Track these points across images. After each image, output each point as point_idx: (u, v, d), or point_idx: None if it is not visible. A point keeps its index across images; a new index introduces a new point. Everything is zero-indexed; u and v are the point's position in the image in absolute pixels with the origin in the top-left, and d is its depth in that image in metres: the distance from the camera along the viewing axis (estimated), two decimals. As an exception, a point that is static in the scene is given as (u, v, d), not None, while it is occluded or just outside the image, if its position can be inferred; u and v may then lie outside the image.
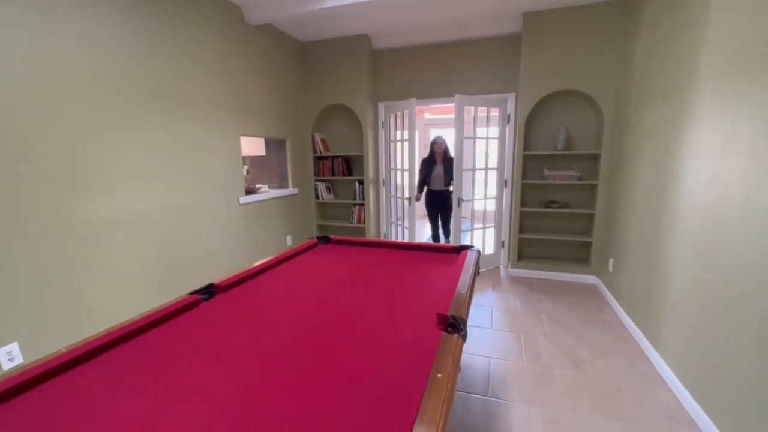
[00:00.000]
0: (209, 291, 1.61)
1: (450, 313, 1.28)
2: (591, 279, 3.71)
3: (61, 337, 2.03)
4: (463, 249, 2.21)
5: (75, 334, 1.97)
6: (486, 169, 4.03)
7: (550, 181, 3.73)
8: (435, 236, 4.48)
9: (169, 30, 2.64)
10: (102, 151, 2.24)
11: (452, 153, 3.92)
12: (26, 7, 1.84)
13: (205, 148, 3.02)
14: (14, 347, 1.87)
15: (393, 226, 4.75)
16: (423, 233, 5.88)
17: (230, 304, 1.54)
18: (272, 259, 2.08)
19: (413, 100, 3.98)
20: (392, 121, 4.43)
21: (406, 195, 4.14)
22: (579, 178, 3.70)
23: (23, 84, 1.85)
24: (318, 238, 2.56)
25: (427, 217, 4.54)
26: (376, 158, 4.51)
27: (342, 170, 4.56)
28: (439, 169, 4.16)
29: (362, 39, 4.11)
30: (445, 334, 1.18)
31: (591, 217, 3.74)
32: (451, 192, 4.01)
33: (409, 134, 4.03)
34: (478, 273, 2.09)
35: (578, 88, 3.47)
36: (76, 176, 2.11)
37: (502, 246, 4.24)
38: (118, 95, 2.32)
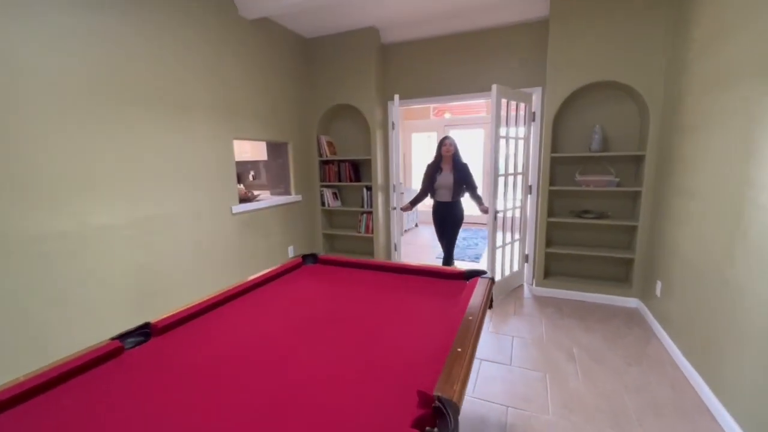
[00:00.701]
0: (144, 332, 1.29)
1: (435, 392, 0.88)
2: (632, 302, 3.17)
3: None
4: (473, 275, 1.80)
5: (10, 366, 1.72)
6: (514, 174, 3.52)
7: (583, 188, 3.22)
8: (446, 259, 3.51)
9: (149, 23, 2.39)
10: (66, 157, 2.00)
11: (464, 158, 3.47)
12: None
13: (191, 152, 2.76)
14: (-53, 383, 1.64)
15: (405, 236, 4.35)
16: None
17: (162, 355, 1.21)
18: (240, 285, 1.74)
19: (394, 100, 3.58)
20: (404, 121, 4.04)
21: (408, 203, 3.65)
22: (618, 184, 3.17)
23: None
24: (304, 256, 2.22)
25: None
26: (386, 162, 4.14)
27: (349, 175, 4.22)
28: (446, 177, 3.31)
29: (370, 32, 3.76)
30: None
31: (633, 229, 3.20)
32: (460, 206, 3.40)
33: (395, 135, 3.60)
34: (491, 306, 1.66)
35: (617, 79, 2.95)
36: (29, 186, 1.87)
37: (526, 261, 3.75)
38: (87, 97, 2.09)
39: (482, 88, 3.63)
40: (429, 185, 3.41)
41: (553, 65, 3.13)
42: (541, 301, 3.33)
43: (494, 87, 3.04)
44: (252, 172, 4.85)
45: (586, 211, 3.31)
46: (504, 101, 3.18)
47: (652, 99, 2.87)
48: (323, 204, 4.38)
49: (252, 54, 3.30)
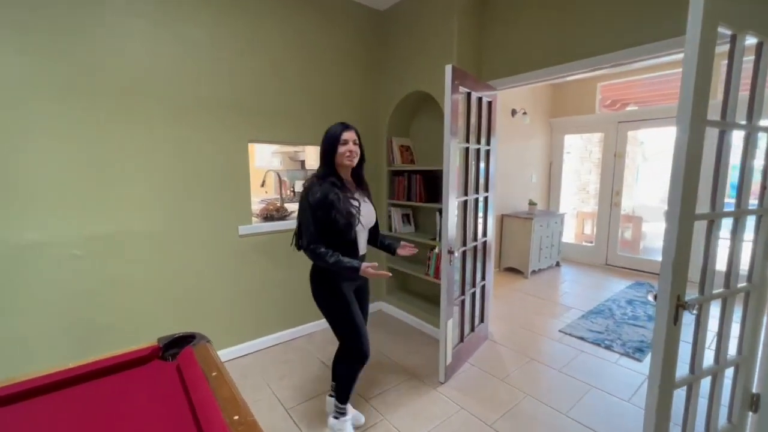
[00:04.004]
0: None
1: None
2: None
3: None
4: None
5: None
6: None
7: None
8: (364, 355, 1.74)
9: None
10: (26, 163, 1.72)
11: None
12: None
13: (180, 158, 2.23)
14: None
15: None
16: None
17: None
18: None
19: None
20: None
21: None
22: None
23: None
24: (174, 341, 1.26)
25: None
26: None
27: (419, 192, 3.00)
28: (367, 209, 1.71)
29: (454, -22, 2.47)
30: None
31: None
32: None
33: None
34: None
35: None
36: None
37: (754, 409, 1.63)
38: (52, 95, 1.78)
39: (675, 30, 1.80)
40: (348, 227, 1.61)
41: None
42: None
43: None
44: (302, 184, 4.21)
45: None
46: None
47: None
48: (390, 228, 3.29)
49: (286, 37, 2.58)
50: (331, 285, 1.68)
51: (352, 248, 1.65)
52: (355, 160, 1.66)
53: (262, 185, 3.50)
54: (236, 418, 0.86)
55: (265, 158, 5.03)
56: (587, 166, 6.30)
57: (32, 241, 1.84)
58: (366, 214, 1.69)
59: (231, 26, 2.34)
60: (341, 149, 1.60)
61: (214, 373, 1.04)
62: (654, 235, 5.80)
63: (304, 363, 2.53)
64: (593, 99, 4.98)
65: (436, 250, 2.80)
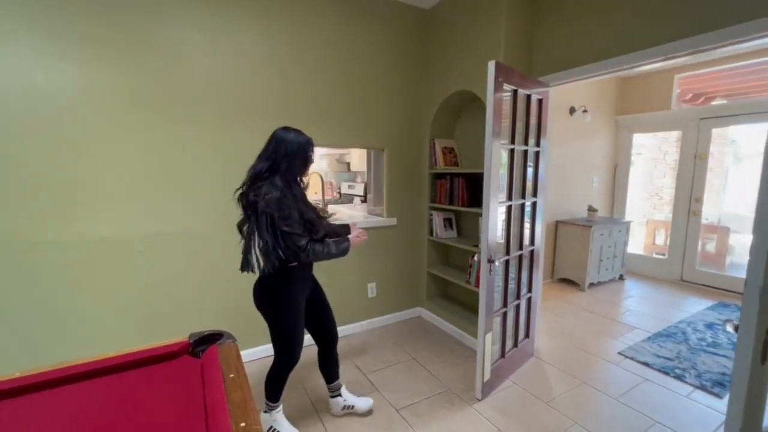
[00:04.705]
0: None
1: None
2: None
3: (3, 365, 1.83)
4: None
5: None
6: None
7: None
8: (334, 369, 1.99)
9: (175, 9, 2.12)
10: (83, 165, 1.95)
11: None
12: None
13: (236, 163, 2.35)
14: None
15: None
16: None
17: None
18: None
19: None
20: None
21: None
22: None
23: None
24: (203, 338, 1.30)
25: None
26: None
27: (462, 196, 2.86)
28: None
29: (503, -31, 2.32)
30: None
31: None
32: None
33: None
34: None
35: None
36: (50, 195, 1.88)
37: None
38: (120, 105, 1.99)
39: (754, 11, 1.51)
40: (320, 225, 1.64)
41: None
42: None
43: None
44: (345, 186, 4.21)
45: None
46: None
47: None
48: (431, 233, 3.20)
49: (330, 40, 2.61)
50: (286, 293, 1.63)
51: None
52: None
53: (306, 187, 3.59)
54: (243, 425, 0.85)
55: (315, 162, 5.18)
56: (661, 169, 5.61)
57: (104, 237, 2.05)
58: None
59: (280, 33, 2.42)
60: (312, 160, 1.66)
61: (231, 375, 1.06)
62: (745, 248, 4.99)
63: (340, 365, 2.52)
64: (669, 93, 4.42)
65: (476, 258, 2.65)
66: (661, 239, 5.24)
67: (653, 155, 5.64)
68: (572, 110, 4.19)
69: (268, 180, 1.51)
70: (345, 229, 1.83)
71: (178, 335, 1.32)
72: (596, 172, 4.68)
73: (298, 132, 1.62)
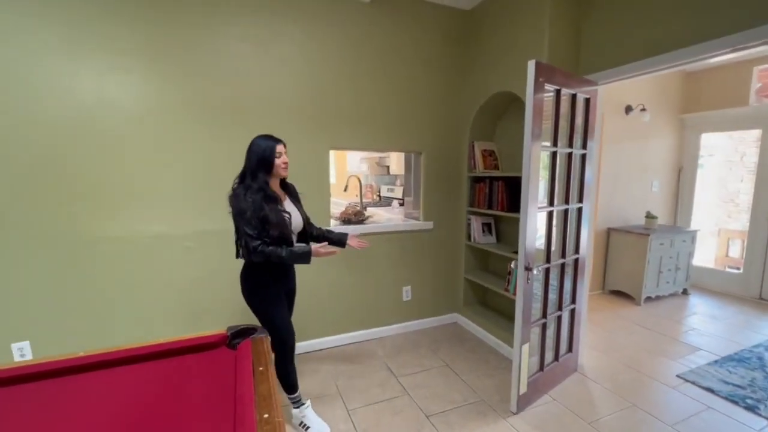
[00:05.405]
0: None
1: None
2: None
3: (70, 345, 2.08)
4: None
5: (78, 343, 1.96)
6: None
7: None
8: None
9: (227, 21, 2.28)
10: (140, 170, 2.17)
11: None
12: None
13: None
14: (26, 345, 2.06)
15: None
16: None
17: None
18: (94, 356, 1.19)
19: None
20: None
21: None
22: None
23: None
24: (239, 331, 1.39)
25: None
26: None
27: (501, 200, 2.77)
28: (293, 211, 1.81)
29: (548, -36, 2.22)
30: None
31: None
32: None
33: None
34: None
35: None
36: (114, 195, 2.12)
37: None
38: (175, 113, 2.20)
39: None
40: (281, 239, 1.70)
41: None
42: None
43: None
44: (385, 189, 4.20)
45: None
46: None
47: None
48: (469, 237, 3.12)
49: (371, 44, 2.66)
50: (259, 281, 1.76)
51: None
52: (287, 172, 1.75)
53: (345, 190, 3.68)
54: (266, 416, 0.89)
55: (355, 164, 5.29)
56: (737, 173, 5.00)
57: (159, 233, 2.26)
58: (295, 222, 1.78)
59: (320, 40, 2.51)
60: (278, 161, 1.69)
61: (260, 368, 1.11)
62: None
63: (372, 367, 2.55)
64: (746, 87, 3.93)
65: (512, 264, 2.54)
66: (735, 251, 4.65)
67: (728, 157, 5.04)
68: (628, 109, 3.89)
69: (239, 183, 1.69)
70: (342, 236, 1.98)
71: (218, 327, 1.42)
72: (656, 176, 4.29)
73: (267, 138, 1.71)
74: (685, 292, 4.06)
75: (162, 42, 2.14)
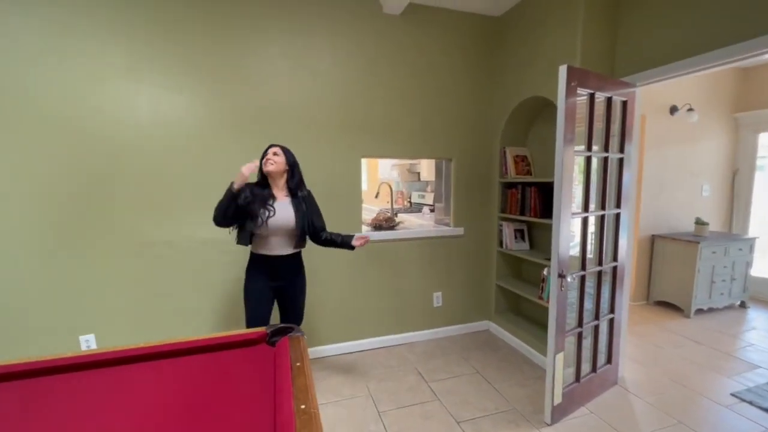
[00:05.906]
0: None
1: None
2: None
3: (129, 337, 2.30)
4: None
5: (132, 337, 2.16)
6: None
7: None
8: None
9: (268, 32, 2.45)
10: (183, 178, 2.37)
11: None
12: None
13: (310, 175, 2.61)
14: (91, 337, 2.29)
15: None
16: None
17: None
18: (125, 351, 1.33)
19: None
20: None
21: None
22: None
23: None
24: (277, 330, 1.48)
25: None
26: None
27: (534, 206, 2.72)
28: (284, 211, 1.93)
29: (581, -33, 2.19)
30: None
31: None
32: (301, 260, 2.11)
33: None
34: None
35: None
36: (162, 201, 2.33)
37: None
38: (219, 125, 2.39)
39: None
40: (253, 217, 1.88)
41: None
42: None
43: None
44: (416, 195, 4.22)
45: None
46: None
47: None
48: (501, 244, 3.09)
49: (402, 55, 2.74)
50: (248, 275, 2.01)
51: (263, 243, 1.94)
52: (273, 167, 1.90)
53: (376, 196, 3.76)
54: (303, 407, 0.96)
55: (386, 171, 5.38)
56: (803, 174, 4.56)
57: (204, 238, 2.43)
58: (280, 217, 1.90)
59: (352, 53, 2.62)
60: (264, 160, 1.93)
61: (298, 364, 1.19)
62: None
63: (403, 370, 2.58)
64: (812, 82, 3.61)
65: (545, 272, 2.49)
66: (803, 261, 4.23)
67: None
68: (673, 109, 3.69)
69: None
70: (347, 238, 2.09)
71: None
72: (706, 180, 4.01)
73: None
74: (743, 304, 3.74)
75: (210, 62, 2.33)
